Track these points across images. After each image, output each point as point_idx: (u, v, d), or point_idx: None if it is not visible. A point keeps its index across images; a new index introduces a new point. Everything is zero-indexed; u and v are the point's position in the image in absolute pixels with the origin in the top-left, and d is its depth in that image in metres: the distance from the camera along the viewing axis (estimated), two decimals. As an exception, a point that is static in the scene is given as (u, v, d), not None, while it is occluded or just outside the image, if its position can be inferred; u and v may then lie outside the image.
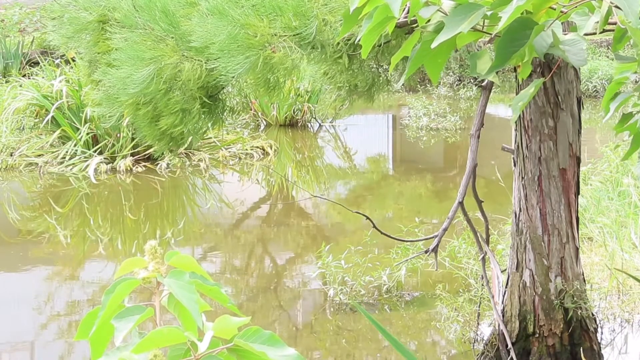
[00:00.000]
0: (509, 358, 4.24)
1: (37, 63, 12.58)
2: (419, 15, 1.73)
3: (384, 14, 1.68)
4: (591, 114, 12.69)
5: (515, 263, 4.36)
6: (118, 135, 9.73)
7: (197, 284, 1.34)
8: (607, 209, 6.41)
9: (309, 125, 12.59)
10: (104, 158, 9.71)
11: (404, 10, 1.76)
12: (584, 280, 4.40)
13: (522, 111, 4.22)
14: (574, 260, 4.30)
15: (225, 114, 4.63)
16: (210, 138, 10.42)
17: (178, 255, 1.36)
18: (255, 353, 1.30)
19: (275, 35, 3.84)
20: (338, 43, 3.88)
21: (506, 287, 4.42)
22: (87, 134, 9.77)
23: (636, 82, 2.52)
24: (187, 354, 1.32)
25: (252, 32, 3.83)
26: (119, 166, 9.61)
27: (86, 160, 9.64)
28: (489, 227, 4.59)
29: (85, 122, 9.79)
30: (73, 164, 9.64)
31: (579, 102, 4.26)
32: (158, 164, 9.74)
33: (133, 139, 9.57)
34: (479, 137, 4.13)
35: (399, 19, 1.77)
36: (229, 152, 10.43)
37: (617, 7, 1.60)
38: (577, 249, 4.32)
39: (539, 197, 4.23)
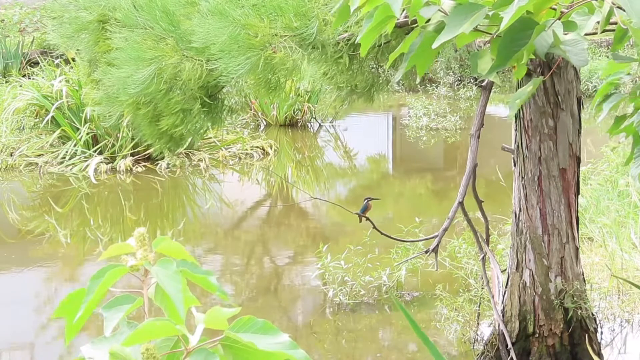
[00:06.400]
0: (509, 358, 4.24)
1: (37, 63, 12.58)
2: (419, 15, 1.73)
3: (385, 13, 1.68)
4: (591, 114, 12.69)
5: (515, 263, 4.36)
6: (118, 135, 9.73)
7: (185, 273, 1.31)
8: (607, 209, 6.41)
9: (309, 125, 12.59)
10: (104, 158, 9.71)
11: (403, 10, 1.76)
12: (584, 280, 4.40)
13: (522, 111, 4.22)
14: (574, 260, 4.30)
15: (225, 113, 4.63)
16: (210, 138, 10.42)
17: (166, 241, 1.33)
18: (245, 344, 1.28)
19: (276, 35, 3.83)
20: (338, 43, 3.88)
21: (506, 287, 4.42)
22: (87, 134, 9.77)
23: (634, 82, 2.49)
24: (174, 347, 1.30)
25: (253, 33, 3.83)
26: (119, 166, 9.61)
27: (86, 160, 9.64)
28: (489, 227, 4.59)
29: (85, 122, 9.79)
30: (73, 164, 9.64)
31: (579, 102, 4.26)
32: (158, 164, 9.73)
33: (133, 138, 9.57)
34: (479, 137, 4.13)
35: (399, 19, 1.77)
36: (229, 152, 10.43)
37: (619, 7, 1.60)
38: (577, 249, 4.32)
39: (539, 197, 4.23)
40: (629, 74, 2.41)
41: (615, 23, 1.71)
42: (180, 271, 1.29)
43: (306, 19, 3.84)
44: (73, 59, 10.41)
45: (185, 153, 9.97)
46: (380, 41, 3.90)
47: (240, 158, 10.42)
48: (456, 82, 15.26)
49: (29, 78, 10.97)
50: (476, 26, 1.64)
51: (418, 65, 1.83)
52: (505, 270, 4.52)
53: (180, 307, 1.26)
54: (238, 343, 1.28)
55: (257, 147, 10.73)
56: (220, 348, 1.29)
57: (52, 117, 9.88)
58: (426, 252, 4.51)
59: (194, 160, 9.99)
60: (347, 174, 10.57)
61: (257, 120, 12.48)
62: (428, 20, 1.74)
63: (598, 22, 1.71)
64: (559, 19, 1.69)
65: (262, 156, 10.60)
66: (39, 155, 9.88)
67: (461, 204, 4.20)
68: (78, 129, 9.82)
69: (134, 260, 1.29)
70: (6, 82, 11.75)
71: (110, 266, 1.29)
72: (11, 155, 9.90)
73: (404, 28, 3.64)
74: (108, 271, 1.29)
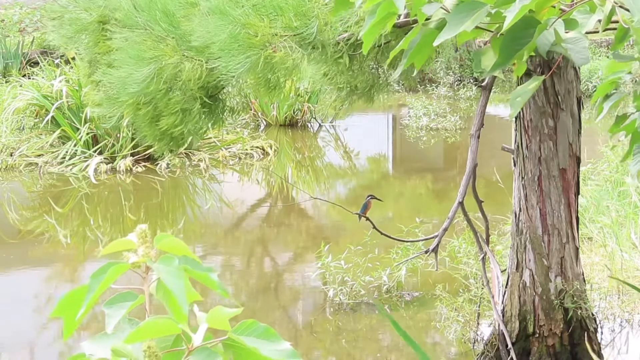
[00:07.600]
0: (509, 358, 4.24)
1: (37, 63, 12.57)
2: (420, 12, 1.72)
3: (388, 9, 1.67)
4: (591, 114, 12.69)
5: (515, 263, 4.36)
6: (118, 135, 9.73)
7: (187, 270, 1.29)
8: (607, 209, 6.41)
9: (309, 125, 12.59)
10: (104, 158, 9.71)
11: (404, 9, 1.76)
12: (584, 280, 4.40)
13: (522, 111, 4.22)
14: (574, 260, 4.30)
15: (225, 114, 4.63)
16: (210, 138, 10.42)
17: (168, 238, 1.31)
18: (248, 348, 1.27)
19: (276, 35, 3.83)
20: (338, 43, 3.88)
21: (506, 287, 4.42)
22: (87, 134, 9.77)
23: (634, 81, 2.49)
24: (174, 345, 1.30)
25: (253, 32, 3.83)
26: (119, 166, 9.61)
27: (86, 160, 9.64)
28: (489, 227, 4.59)
29: (85, 122, 9.79)
30: (73, 164, 9.64)
31: (579, 102, 4.26)
32: (158, 164, 9.73)
33: (133, 139, 9.57)
34: (479, 137, 4.13)
35: (399, 18, 1.77)
36: (229, 152, 10.43)
37: (621, 6, 1.60)
38: (577, 249, 4.32)
39: (539, 197, 4.23)
40: (629, 72, 2.40)
41: (617, 22, 1.71)
42: (182, 268, 1.28)
43: (306, 19, 3.84)
44: (73, 59, 10.40)
45: (185, 153, 9.97)
46: (380, 41, 3.90)
47: (240, 158, 10.42)
48: (456, 82, 15.26)
49: (29, 78, 10.97)
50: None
51: (416, 60, 1.83)
52: (505, 270, 4.52)
53: (184, 303, 1.24)
54: (239, 346, 1.28)
55: (257, 147, 10.74)
56: (220, 346, 1.28)
57: (52, 117, 9.88)
58: (426, 252, 4.50)
59: (194, 160, 9.99)
60: (347, 174, 10.57)
61: (257, 120, 12.48)
62: (429, 18, 1.74)
63: (599, 21, 1.71)
64: (560, 17, 1.69)
65: (262, 156, 10.60)
66: (39, 155, 9.88)
67: (461, 204, 4.20)
68: (78, 129, 9.82)
69: (136, 257, 1.28)
70: (6, 82, 11.75)
71: (112, 263, 1.28)
72: (11, 155, 9.90)
73: (404, 28, 3.64)
74: (109, 268, 1.27)
